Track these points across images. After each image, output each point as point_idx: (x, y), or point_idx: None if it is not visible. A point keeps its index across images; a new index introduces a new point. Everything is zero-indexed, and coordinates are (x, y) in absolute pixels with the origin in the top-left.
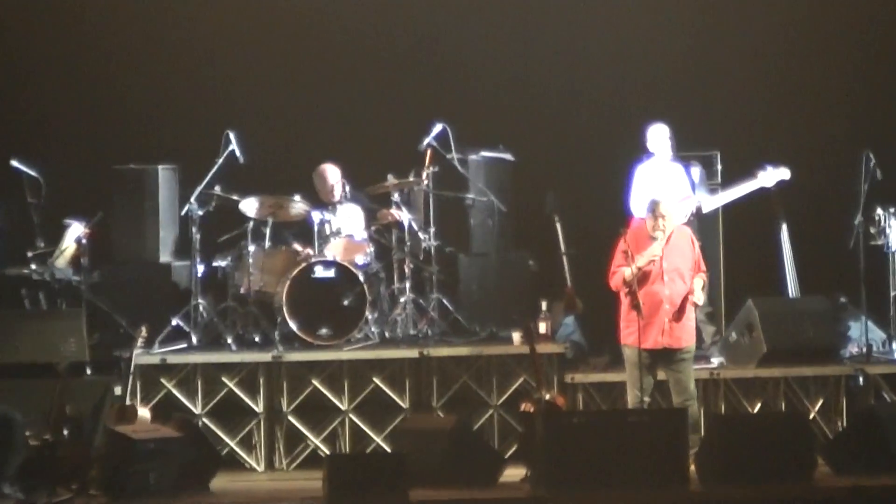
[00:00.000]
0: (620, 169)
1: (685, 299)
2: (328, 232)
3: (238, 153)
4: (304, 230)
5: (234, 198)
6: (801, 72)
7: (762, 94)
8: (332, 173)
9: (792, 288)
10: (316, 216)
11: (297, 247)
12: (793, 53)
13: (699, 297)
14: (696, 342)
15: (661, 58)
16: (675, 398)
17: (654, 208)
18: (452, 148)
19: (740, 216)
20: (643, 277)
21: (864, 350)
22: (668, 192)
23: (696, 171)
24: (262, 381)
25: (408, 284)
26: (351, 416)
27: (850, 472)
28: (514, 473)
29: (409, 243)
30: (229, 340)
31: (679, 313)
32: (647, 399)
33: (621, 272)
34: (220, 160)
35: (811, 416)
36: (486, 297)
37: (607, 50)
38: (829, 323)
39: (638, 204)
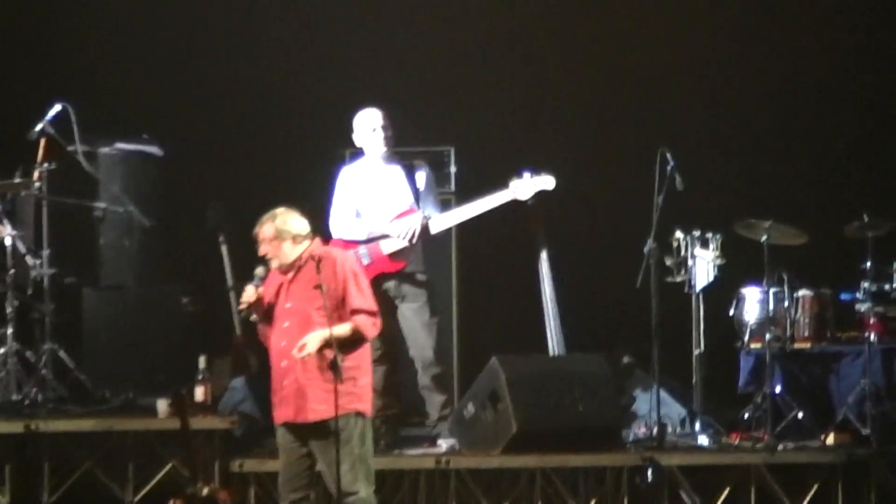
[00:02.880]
0: (318, 172)
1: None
2: None
3: None
4: None
5: None
6: (572, 40)
7: (515, 71)
8: None
9: (555, 342)
10: None
11: None
12: (559, 12)
13: (305, 347)
14: (420, 416)
15: (377, 21)
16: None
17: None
18: (76, 137)
19: (483, 239)
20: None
21: (656, 431)
22: (380, 202)
23: (422, 174)
24: None
25: (10, 329)
26: None
27: None
28: None
29: (12, 271)
30: None
31: (304, 374)
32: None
33: None
34: None
35: None
36: (120, 350)
37: (308, 6)
38: (607, 392)
39: (338, 220)
